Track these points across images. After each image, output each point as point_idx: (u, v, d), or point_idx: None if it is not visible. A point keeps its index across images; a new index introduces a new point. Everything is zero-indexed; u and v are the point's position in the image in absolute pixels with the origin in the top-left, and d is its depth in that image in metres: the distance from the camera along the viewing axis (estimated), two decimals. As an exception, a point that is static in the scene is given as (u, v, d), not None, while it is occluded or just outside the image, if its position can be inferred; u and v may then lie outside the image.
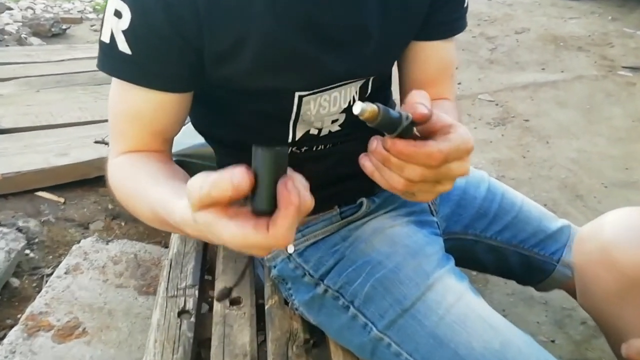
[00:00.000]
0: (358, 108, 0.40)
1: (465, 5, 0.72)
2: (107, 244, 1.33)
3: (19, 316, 1.11)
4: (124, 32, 0.55)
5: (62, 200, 1.51)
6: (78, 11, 4.30)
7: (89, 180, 1.62)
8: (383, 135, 0.45)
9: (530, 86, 2.67)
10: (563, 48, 3.16)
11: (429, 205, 0.86)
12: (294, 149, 0.71)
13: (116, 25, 0.55)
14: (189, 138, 0.99)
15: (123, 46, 0.55)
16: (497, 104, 2.50)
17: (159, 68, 0.57)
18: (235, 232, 0.35)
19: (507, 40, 3.33)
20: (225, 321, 0.80)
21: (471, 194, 0.93)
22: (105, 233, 1.44)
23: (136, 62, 0.56)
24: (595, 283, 0.71)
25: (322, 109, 0.67)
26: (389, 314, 0.68)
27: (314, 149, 0.72)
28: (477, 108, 2.47)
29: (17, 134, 1.74)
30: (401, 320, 0.67)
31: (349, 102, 0.69)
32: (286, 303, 0.84)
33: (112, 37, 0.56)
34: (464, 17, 0.73)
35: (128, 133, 0.62)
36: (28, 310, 1.09)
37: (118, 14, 0.55)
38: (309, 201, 0.35)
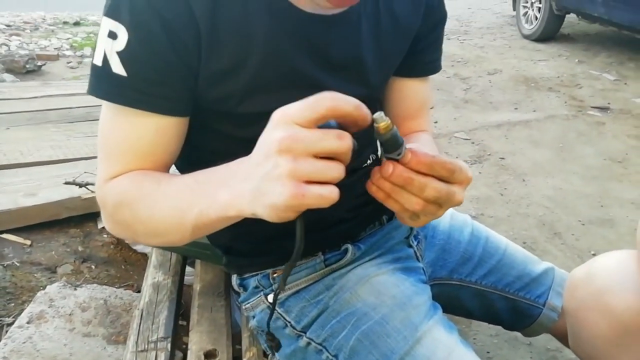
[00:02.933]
0: (379, 114, 0.44)
1: (441, 49, 0.78)
2: (75, 289, 1.26)
3: (-27, 372, 1.02)
4: (119, 53, 0.52)
5: (28, 242, 1.44)
6: (55, 48, 4.26)
7: (58, 222, 1.55)
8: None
9: (504, 125, 2.73)
10: (534, 89, 3.27)
11: (415, 252, 0.83)
12: None
13: (110, 47, 0.53)
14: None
15: (118, 68, 0.53)
16: (473, 142, 2.54)
17: (159, 90, 0.55)
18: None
19: (480, 81, 3.44)
20: (201, 378, 0.75)
21: (456, 238, 0.92)
22: (74, 277, 1.37)
23: (132, 84, 0.54)
24: (589, 329, 0.69)
25: None
26: (375, 368, 0.64)
27: None
28: (454, 146, 2.51)
29: (-16, 173, 1.67)
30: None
31: None
32: (265, 355, 0.79)
33: (105, 59, 0.53)
34: (440, 59, 0.79)
35: (123, 161, 0.58)
36: (-16, 365, 1.01)
37: (113, 35, 0.52)
38: None
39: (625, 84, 3.26)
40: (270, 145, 0.42)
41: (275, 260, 0.74)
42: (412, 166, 0.47)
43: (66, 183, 1.34)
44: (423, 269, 0.83)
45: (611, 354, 0.68)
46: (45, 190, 1.56)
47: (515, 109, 2.96)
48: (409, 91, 0.79)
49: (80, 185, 1.36)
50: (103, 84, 0.55)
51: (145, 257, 1.50)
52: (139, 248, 1.49)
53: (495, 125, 2.74)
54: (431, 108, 3.04)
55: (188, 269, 1.12)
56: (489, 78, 3.49)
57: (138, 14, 0.51)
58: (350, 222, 0.76)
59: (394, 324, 0.67)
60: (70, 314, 1.18)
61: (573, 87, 3.27)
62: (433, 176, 0.48)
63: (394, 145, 0.46)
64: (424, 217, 0.51)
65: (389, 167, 0.47)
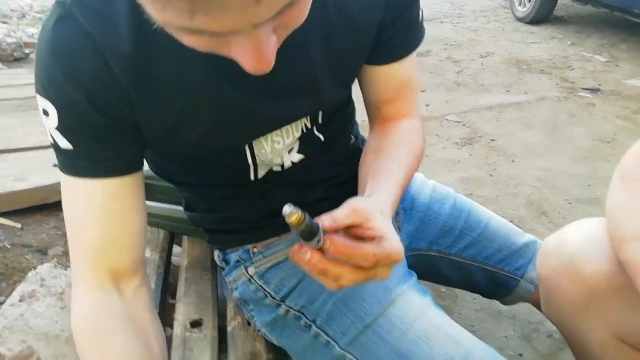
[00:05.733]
0: (288, 209, 0.42)
1: (420, 19, 0.69)
2: (66, 269, 1.28)
3: (-34, 348, 1.04)
4: (56, 129, 0.52)
5: (18, 225, 1.45)
6: (44, 35, 4.22)
7: (48, 205, 1.56)
8: None
9: (496, 107, 2.74)
10: (526, 71, 3.27)
11: (393, 222, 0.85)
12: (261, 184, 0.70)
13: (48, 124, 0.52)
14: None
15: (63, 143, 0.52)
16: (464, 125, 2.55)
17: (106, 154, 0.53)
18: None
19: (473, 64, 3.43)
20: (185, 344, 0.77)
21: (435, 210, 0.93)
22: (64, 258, 1.38)
23: (80, 155, 0.53)
24: (559, 294, 0.71)
25: (276, 144, 0.67)
26: (350, 331, 0.66)
27: (281, 181, 0.72)
28: (445, 129, 2.52)
29: (-27, 158, 1.68)
30: (363, 337, 0.66)
31: (301, 129, 0.69)
32: (249, 324, 0.81)
33: (52, 137, 0.53)
34: (419, 31, 0.69)
35: (91, 243, 0.55)
36: (-23, 341, 1.03)
37: (46, 113, 0.52)
38: None
39: (617, 65, 3.26)
40: None
41: (255, 236, 0.76)
42: (331, 254, 0.46)
43: (55, 165, 1.35)
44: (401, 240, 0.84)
45: (579, 318, 0.71)
46: (35, 174, 1.57)
47: (507, 91, 2.97)
48: (384, 76, 0.72)
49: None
50: (60, 159, 0.54)
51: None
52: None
53: (487, 108, 2.74)
54: (422, 91, 3.05)
55: (176, 249, 1.14)
56: (481, 61, 3.48)
57: (59, 88, 0.50)
58: (328, 200, 0.77)
59: (369, 289, 0.69)
60: (61, 293, 1.20)
61: (565, 69, 3.27)
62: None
63: (309, 235, 0.45)
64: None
65: (306, 255, 0.47)
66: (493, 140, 2.37)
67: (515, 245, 0.94)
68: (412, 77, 0.74)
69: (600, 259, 0.65)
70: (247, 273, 0.75)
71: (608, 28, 3.98)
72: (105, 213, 0.55)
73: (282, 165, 0.70)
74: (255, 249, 0.75)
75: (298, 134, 0.68)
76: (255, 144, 0.65)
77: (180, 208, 0.94)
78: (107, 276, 0.57)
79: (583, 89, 2.92)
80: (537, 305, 0.99)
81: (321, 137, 0.72)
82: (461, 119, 2.61)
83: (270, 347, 0.78)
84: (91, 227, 0.55)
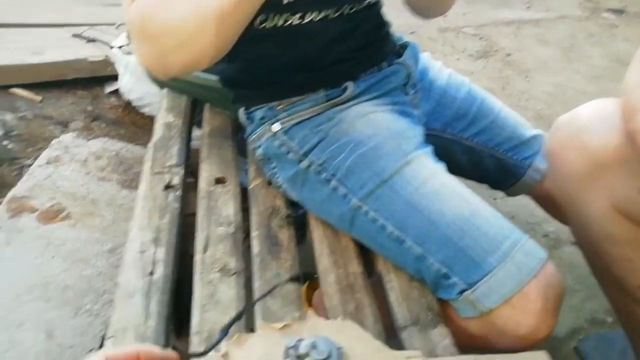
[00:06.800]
0: None
1: None
2: (88, 140, 1.33)
3: (0, 200, 1.12)
4: None
5: (39, 98, 1.48)
6: None
7: (66, 83, 1.58)
8: None
9: (515, 23, 2.67)
10: (550, -12, 3.13)
11: (411, 100, 0.88)
12: (289, 14, 0.72)
13: None
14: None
15: None
16: (480, 38, 2.50)
17: None
18: None
19: (496, -23, 3.28)
20: (211, 197, 0.83)
21: (451, 94, 0.96)
22: (85, 132, 1.43)
23: None
24: (567, 166, 0.75)
25: None
26: (368, 185, 0.72)
27: (310, 16, 0.73)
28: (461, 40, 2.47)
29: (-13, 31, 1.67)
30: (379, 190, 0.71)
31: None
32: (269, 184, 0.87)
33: None
34: None
35: None
36: (10, 194, 1.10)
37: None
38: None
39: (646, -13, 3.13)
40: None
41: (281, 92, 0.79)
42: None
43: (74, 36, 1.35)
44: (418, 118, 0.88)
45: (583, 188, 0.75)
46: (51, 50, 1.57)
47: (528, 7, 2.87)
48: None
49: (88, 40, 1.37)
50: None
51: (152, 120, 1.56)
52: (146, 111, 1.54)
53: (505, 23, 2.67)
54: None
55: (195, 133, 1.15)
56: (505, -25, 3.32)
57: None
58: (350, 62, 0.80)
59: (387, 150, 0.74)
60: (84, 160, 1.26)
61: (591, -12, 3.13)
62: None
63: None
64: None
65: None
66: (509, 55, 2.34)
67: (524, 136, 0.98)
68: None
69: (609, 132, 0.69)
70: (272, 129, 0.79)
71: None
72: None
73: None
74: (280, 107, 0.79)
75: None
76: None
77: (205, 75, 0.97)
78: None
79: (607, 9, 2.82)
80: (540, 200, 1.05)
81: None
82: (478, 32, 2.55)
83: (289, 203, 0.85)
84: None
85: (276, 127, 0.79)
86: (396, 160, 0.72)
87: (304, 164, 0.77)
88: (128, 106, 1.58)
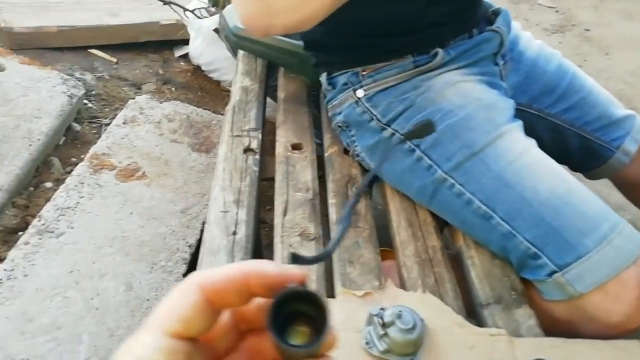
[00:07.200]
0: None
1: None
2: (161, 103, 1.36)
3: (82, 156, 1.17)
4: None
5: (114, 60, 1.53)
6: None
7: (138, 45, 1.62)
8: None
9: (596, -5, 2.49)
10: (639, -42, 2.88)
11: (500, 71, 0.84)
12: None
13: None
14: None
15: None
16: (557, 11, 2.35)
17: None
18: None
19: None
20: (288, 161, 0.84)
21: (541, 67, 0.91)
22: (157, 95, 1.47)
23: None
24: None
25: None
26: (456, 157, 0.69)
27: None
28: (536, 13, 2.33)
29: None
30: (468, 163, 0.69)
31: None
32: (345, 152, 0.86)
33: None
34: None
35: None
36: (91, 150, 1.15)
37: None
38: None
39: None
40: None
41: (365, 57, 0.77)
42: None
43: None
44: (505, 90, 0.84)
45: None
46: (126, 12, 1.61)
47: (612, -22, 2.66)
48: None
49: (164, 2, 1.39)
50: None
51: (219, 85, 1.58)
52: (214, 76, 1.55)
53: (586, -5, 2.49)
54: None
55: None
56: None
57: None
58: (442, 27, 0.76)
59: (478, 121, 0.70)
60: (158, 122, 1.30)
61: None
62: None
63: None
64: None
65: None
66: (587, 30, 2.19)
67: (615, 115, 0.92)
68: None
69: None
70: (355, 95, 0.77)
71: None
72: None
73: None
74: (364, 73, 0.76)
75: None
76: None
77: (284, 38, 0.96)
78: None
79: None
80: (622, 185, 0.98)
81: None
82: (555, 5, 2.39)
83: (365, 173, 0.83)
84: None
85: (360, 93, 0.77)
86: (488, 132, 0.69)
87: (387, 132, 0.75)
88: (196, 71, 1.61)
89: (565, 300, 0.64)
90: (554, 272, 0.63)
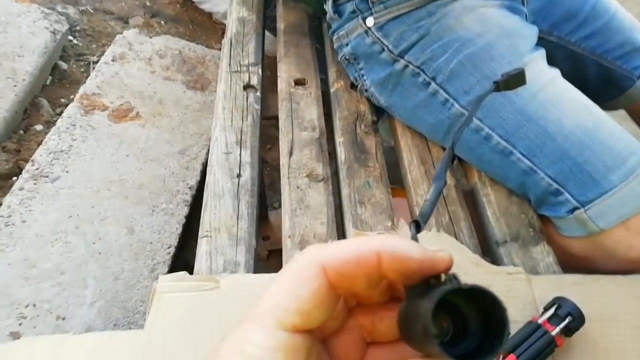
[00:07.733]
0: None
1: None
2: (150, 37, 1.28)
3: (71, 96, 1.11)
4: None
5: (98, -8, 1.42)
6: None
7: (123, -25, 1.50)
8: None
9: None
10: None
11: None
12: None
13: None
14: None
15: None
16: None
17: None
18: None
19: None
20: (292, 98, 0.78)
21: (564, -10, 0.84)
22: (145, 29, 1.38)
23: None
24: None
25: None
26: (475, 89, 0.65)
27: None
28: None
29: None
30: (488, 97, 0.64)
31: None
32: (352, 87, 0.81)
33: None
34: None
35: None
36: (81, 90, 1.09)
37: None
38: None
39: None
40: None
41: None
42: None
43: None
44: (526, 15, 0.77)
45: None
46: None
47: None
48: None
49: None
50: None
51: (210, 17, 1.48)
52: (206, 7, 1.45)
53: None
54: None
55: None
56: None
57: None
58: None
59: (500, 50, 0.65)
60: (149, 58, 1.22)
61: None
62: None
63: None
64: None
65: None
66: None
67: (638, 42, 0.86)
68: None
69: None
70: (365, 24, 0.71)
71: None
72: None
73: None
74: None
75: None
76: None
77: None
78: None
79: None
80: (635, 117, 0.94)
81: None
82: None
83: (374, 109, 0.79)
84: None
85: (370, 21, 0.71)
86: (510, 62, 0.64)
87: (400, 64, 0.70)
88: (186, 2, 1.50)
89: (584, 237, 0.62)
90: (576, 208, 0.61)
